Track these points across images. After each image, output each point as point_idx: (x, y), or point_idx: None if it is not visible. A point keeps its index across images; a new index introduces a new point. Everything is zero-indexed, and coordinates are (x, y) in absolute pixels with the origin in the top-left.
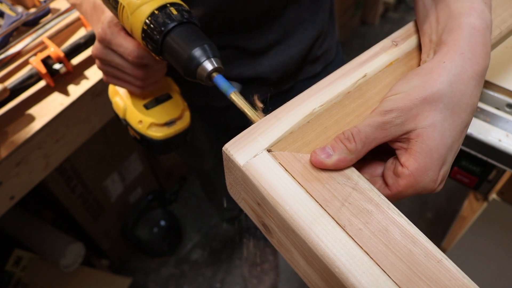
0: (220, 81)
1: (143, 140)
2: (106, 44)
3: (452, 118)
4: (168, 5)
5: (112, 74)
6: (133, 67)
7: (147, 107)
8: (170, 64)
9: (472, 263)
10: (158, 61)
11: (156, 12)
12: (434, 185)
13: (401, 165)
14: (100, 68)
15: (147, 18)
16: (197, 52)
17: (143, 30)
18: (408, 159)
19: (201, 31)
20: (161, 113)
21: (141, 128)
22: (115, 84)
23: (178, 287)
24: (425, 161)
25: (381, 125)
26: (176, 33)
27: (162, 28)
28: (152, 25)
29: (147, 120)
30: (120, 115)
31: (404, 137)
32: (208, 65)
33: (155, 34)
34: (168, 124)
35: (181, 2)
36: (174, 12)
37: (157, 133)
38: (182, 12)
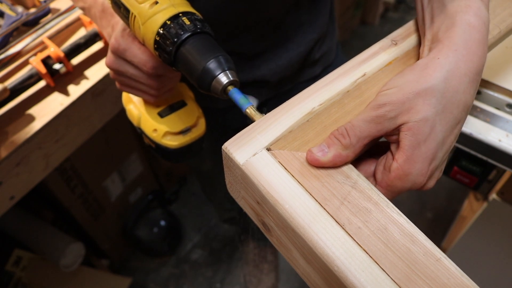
0: (236, 95)
1: (158, 149)
2: (120, 54)
3: (444, 114)
4: (180, 14)
5: (126, 83)
6: (148, 77)
7: (161, 115)
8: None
9: (472, 263)
10: (172, 71)
11: (168, 22)
12: (423, 179)
13: (392, 158)
14: (113, 78)
15: (160, 29)
16: (212, 65)
17: (156, 41)
18: (397, 153)
19: (215, 41)
20: (176, 121)
21: (156, 137)
22: (129, 93)
23: (178, 287)
24: (412, 153)
25: (375, 119)
26: (190, 44)
27: (175, 39)
28: (164, 36)
29: (162, 129)
30: (135, 123)
31: (397, 130)
32: (224, 78)
33: (168, 45)
34: (183, 132)
35: (194, 11)
36: (187, 22)
37: (172, 142)
38: (195, 22)
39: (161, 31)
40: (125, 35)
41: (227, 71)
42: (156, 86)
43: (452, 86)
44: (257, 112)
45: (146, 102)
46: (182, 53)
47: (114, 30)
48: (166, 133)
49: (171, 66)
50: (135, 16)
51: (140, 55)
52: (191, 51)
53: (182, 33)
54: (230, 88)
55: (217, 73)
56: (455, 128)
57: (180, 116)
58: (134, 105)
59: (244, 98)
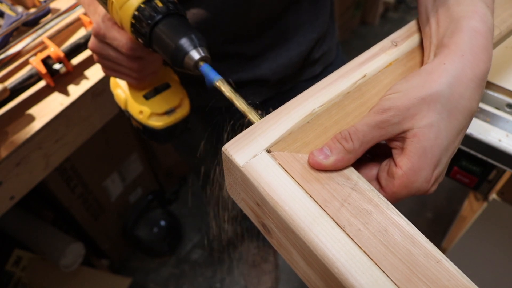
0: (206, 70)
1: (145, 130)
2: (101, 38)
3: (449, 120)
4: None
5: (110, 67)
6: (128, 59)
7: (146, 97)
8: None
9: (472, 263)
10: (152, 53)
11: (142, 5)
12: (427, 186)
13: (396, 165)
14: (97, 61)
15: (134, 12)
16: (184, 42)
17: (132, 24)
18: (402, 159)
19: (188, 21)
20: (160, 102)
21: (142, 118)
22: (114, 76)
23: (178, 287)
24: (419, 161)
25: (379, 123)
26: (163, 25)
27: (149, 21)
28: (139, 19)
29: (147, 110)
30: (122, 106)
31: (400, 136)
32: (195, 54)
33: (143, 27)
34: (168, 113)
35: None
36: (160, 4)
37: (157, 122)
38: (168, 4)
39: (136, 14)
40: (106, 20)
41: (198, 48)
42: (136, 68)
43: (457, 92)
44: (227, 85)
45: (132, 86)
46: (157, 33)
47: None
48: (152, 114)
49: (148, 47)
50: (112, 2)
51: (119, 37)
52: (164, 31)
53: (155, 15)
54: (201, 63)
55: (189, 50)
56: (459, 134)
57: (164, 98)
58: (121, 89)
59: (214, 72)
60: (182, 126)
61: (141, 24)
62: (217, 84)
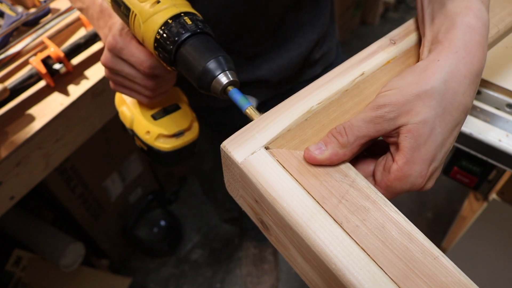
0: (236, 95)
1: (150, 151)
2: (117, 53)
3: (443, 116)
4: (182, 14)
5: (121, 83)
6: (144, 77)
7: (155, 117)
8: (179, 73)
9: (472, 263)
10: (169, 71)
11: (169, 21)
12: (422, 181)
13: (392, 160)
14: (108, 77)
15: (160, 28)
16: (212, 65)
17: (156, 40)
18: (397, 154)
19: (215, 41)
20: (170, 124)
21: (149, 139)
22: (123, 93)
23: (178, 287)
24: (413, 155)
25: (374, 119)
26: (190, 43)
27: (176, 38)
28: (165, 35)
29: (155, 131)
30: (127, 125)
31: (396, 132)
32: (223, 79)
33: (168, 44)
34: (177, 135)
35: (195, 12)
36: (188, 22)
37: (165, 145)
38: (197, 22)
39: (161, 30)
40: (123, 34)
41: (227, 71)
42: (151, 87)
43: (452, 88)
44: (257, 112)
45: (140, 104)
46: (182, 52)
47: (111, 30)
48: (159, 136)
49: (171, 66)
50: (135, 15)
51: (137, 54)
52: (191, 51)
53: (183, 32)
54: (230, 88)
55: (217, 73)
56: (454, 130)
57: (174, 119)
58: (127, 107)
59: (244, 98)
60: (189, 150)
61: (166, 40)
62: (247, 111)
